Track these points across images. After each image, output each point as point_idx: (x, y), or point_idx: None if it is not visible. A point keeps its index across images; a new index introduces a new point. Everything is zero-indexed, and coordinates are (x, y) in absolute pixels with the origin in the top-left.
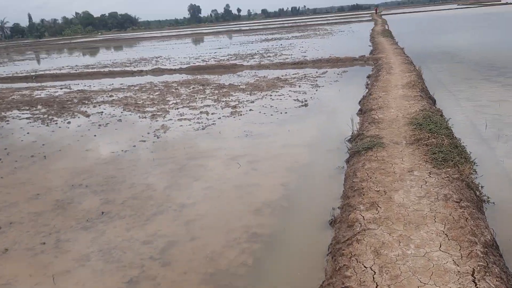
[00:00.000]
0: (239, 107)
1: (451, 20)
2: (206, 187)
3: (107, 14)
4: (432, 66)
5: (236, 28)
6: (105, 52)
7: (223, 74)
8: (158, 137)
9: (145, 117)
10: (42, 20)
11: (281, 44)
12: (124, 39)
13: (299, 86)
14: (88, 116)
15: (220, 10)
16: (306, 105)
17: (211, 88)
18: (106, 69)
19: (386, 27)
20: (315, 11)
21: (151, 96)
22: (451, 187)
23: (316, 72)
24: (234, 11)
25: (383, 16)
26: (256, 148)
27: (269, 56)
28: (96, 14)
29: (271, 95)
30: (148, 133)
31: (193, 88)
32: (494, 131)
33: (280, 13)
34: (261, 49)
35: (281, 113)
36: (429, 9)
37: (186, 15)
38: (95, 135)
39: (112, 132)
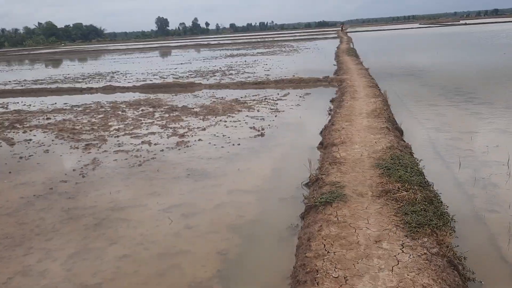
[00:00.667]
0: (188, 135)
1: (414, 39)
2: (121, 256)
3: (71, 25)
4: (397, 89)
5: (203, 42)
6: (61, 65)
7: (179, 93)
8: (83, 176)
9: (77, 148)
10: (3, 30)
11: (245, 61)
12: (86, 51)
13: (258, 111)
14: (12, 144)
15: (188, 24)
16: (262, 134)
17: (162, 111)
18: (54, 86)
19: (351, 45)
20: (282, 27)
21: (93, 120)
22: (430, 271)
23: (278, 94)
24: (203, 25)
25: (348, 34)
26: (197, 194)
27: (231, 73)
28: (61, 25)
29: (225, 121)
30: (74, 170)
31: (142, 110)
32: (469, 172)
33: (248, 28)
34: (224, 65)
35: (233, 144)
36: (392, 27)
37: (154, 27)
38: (10, 172)
39: (32, 168)
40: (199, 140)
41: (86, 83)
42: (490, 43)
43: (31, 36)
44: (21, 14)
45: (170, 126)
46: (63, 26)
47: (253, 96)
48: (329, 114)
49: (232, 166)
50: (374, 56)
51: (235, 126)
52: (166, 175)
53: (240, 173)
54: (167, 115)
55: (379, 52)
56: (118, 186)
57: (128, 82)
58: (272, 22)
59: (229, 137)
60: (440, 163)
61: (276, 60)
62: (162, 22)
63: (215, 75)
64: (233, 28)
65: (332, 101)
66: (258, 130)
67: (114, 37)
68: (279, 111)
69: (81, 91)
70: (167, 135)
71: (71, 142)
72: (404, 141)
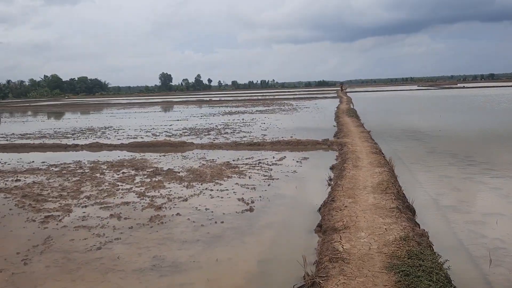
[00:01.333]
0: (165, 208)
1: (414, 101)
2: None
3: (76, 78)
4: (403, 156)
5: (204, 98)
6: (56, 118)
7: (168, 153)
8: (26, 264)
9: (34, 221)
10: (8, 81)
11: (243, 119)
12: (86, 104)
13: (250, 177)
14: None
15: (191, 80)
16: (251, 209)
17: (144, 175)
18: (39, 141)
19: (351, 106)
20: (283, 85)
21: (66, 184)
22: None
23: (273, 157)
24: (205, 81)
25: (348, 93)
26: None
27: (227, 132)
28: (66, 78)
29: (212, 190)
30: (18, 253)
31: (123, 173)
32: (503, 272)
33: (250, 85)
34: (221, 123)
35: (216, 222)
36: (391, 88)
37: (158, 83)
38: None
39: None
40: (177, 214)
41: (74, 139)
42: (496, 108)
43: (36, 88)
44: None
45: (148, 194)
46: (68, 79)
47: (246, 159)
48: (329, 184)
49: (210, 253)
50: (375, 118)
51: (222, 197)
52: (126, 266)
53: (218, 265)
54: (148, 179)
55: (380, 113)
56: (63, 281)
57: (118, 139)
58: (273, 80)
59: (212, 212)
60: (465, 258)
61: (274, 119)
62: (165, 78)
63: (209, 134)
64: (235, 85)
65: (332, 168)
66: (247, 203)
67: (119, 91)
68: (273, 179)
69: (65, 148)
70: (142, 206)
71: (30, 212)
72: (419, 227)
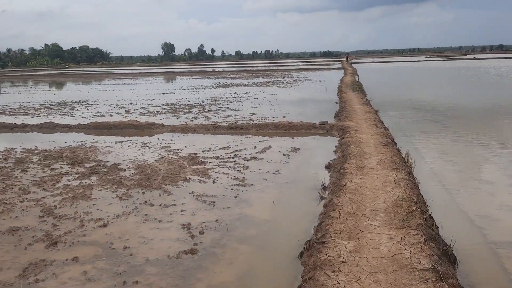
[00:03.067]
0: (66, 242)
1: (424, 73)
2: None
3: (77, 47)
4: (421, 146)
5: (205, 69)
6: (36, 90)
7: (130, 137)
8: None
9: None
10: (9, 50)
11: (235, 93)
12: (81, 74)
13: (214, 181)
14: None
15: (194, 50)
16: (193, 251)
17: (77, 173)
18: None
19: (356, 78)
20: (288, 55)
21: None
22: None
23: (255, 146)
24: (209, 51)
25: (353, 65)
26: None
27: (210, 110)
28: (69, 47)
29: (152, 205)
30: None
31: (51, 169)
32: None
33: (254, 56)
34: (209, 98)
35: (126, 282)
36: (398, 59)
37: (161, 52)
38: None
39: None
40: (74, 259)
41: (33, 116)
42: None
43: (36, 57)
44: (33, 35)
45: (58, 212)
46: (69, 48)
47: (220, 149)
48: (321, 198)
49: None
50: (383, 93)
51: (160, 220)
52: None
53: None
54: (77, 182)
55: (389, 87)
56: None
57: (82, 117)
58: (278, 50)
59: (131, 255)
60: None
61: (270, 93)
62: (168, 48)
63: (190, 111)
64: (239, 56)
65: (328, 168)
66: (193, 236)
67: (121, 60)
68: (245, 184)
69: (12, 128)
70: (32, 238)
71: None
72: None
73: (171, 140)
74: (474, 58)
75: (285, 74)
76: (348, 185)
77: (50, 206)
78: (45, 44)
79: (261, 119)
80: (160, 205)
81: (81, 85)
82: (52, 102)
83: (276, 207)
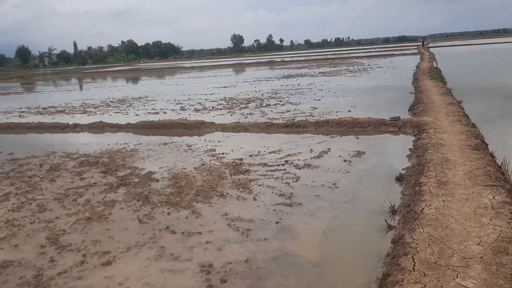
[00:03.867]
0: None
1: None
2: None
3: (151, 43)
4: None
5: (275, 59)
6: (104, 86)
7: (179, 137)
8: None
9: None
10: (89, 48)
11: (298, 84)
12: (151, 69)
13: (255, 198)
14: None
15: (263, 41)
16: None
17: (106, 184)
18: (51, 117)
19: (434, 64)
20: (359, 42)
21: None
22: None
23: (311, 150)
24: (277, 42)
25: (430, 49)
26: None
27: (269, 105)
28: (143, 43)
29: (174, 232)
30: None
31: (81, 179)
32: None
33: (323, 44)
34: (270, 90)
35: None
36: (481, 42)
37: (230, 44)
38: None
39: None
40: None
41: (89, 115)
42: None
43: (113, 54)
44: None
45: (62, 240)
46: (144, 44)
47: (270, 153)
48: (389, 227)
49: None
50: (466, 80)
51: (176, 258)
52: None
53: None
54: (102, 196)
55: (472, 73)
56: None
57: (136, 115)
58: (348, 37)
59: None
60: None
61: (336, 84)
62: (237, 39)
63: (247, 107)
64: (308, 44)
65: (399, 180)
66: (210, 287)
67: (192, 54)
68: (291, 204)
69: (63, 128)
70: (18, 281)
71: None
72: None
73: (219, 142)
74: None
75: (355, 62)
76: (426, 212)
77: (59, 231)
78: (121, 41)
79: (323, 114)
80: (183, 232)
81: (147, 80)
82: (113, 99)
83: (328, 240)
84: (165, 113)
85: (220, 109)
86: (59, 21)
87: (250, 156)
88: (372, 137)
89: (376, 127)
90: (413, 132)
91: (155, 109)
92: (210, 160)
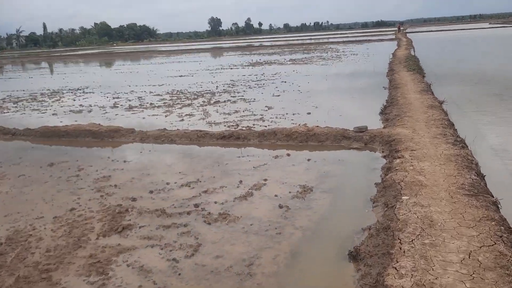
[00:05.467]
0: None
1: (498, 43)
2: None
3: (125, 25)
4: None
5: (245, 44)
6: (54, 72)
7: (82, 148)
8: None
9: None
10: (60, 30)
11: (263, 74)
12: (119, 52)
13: None
14: None
15: (241, 24)
16: None
17: None
18: None
19: (412, 52)
20: (338, 27)
21: None
22: None
23: (240, 182)
24: (256, 25)
25: (407, 35)
26: None
27: (218, 101)
28: (119, 25)
29: None
30: None
31: None
32: None
33: (302, 28)
34: (228, 82)
35: None
36: (458, 27)
37: (208, 28)
38: None
39: None
40: None
41: (2, 112)
42: None
43: (85, 36)
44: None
45: None
46: (118, 27)
47: (182, 186)
48: None
49: None
50: (447, 70)
51: None
52: None
53: None
54: None
55: (453, 61)
56: None
57: (53, 114)
58: (328, 22)
59: None
60: None
61: (303, 74)
62: (215, 22)
63: (192, 103)
64: (287, 28)
65: (353, 259)
66: None
67: (170, 37)
68: None
69: None
70: None
71: None
72: None
73: (124, 161)
74: None
75: (330, 48)
76: None
77: None
78: (94, 23)
79: (276, 118)
80: None
81: (102, 66)
82: (47, 90)
83: None
84: (90, 111)
85: (159, 106)
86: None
87: (151, 192)
88: (329, 156)
89: (335, 141)
90: (383, 151)
91: (83, 106)
92: (90, 199)
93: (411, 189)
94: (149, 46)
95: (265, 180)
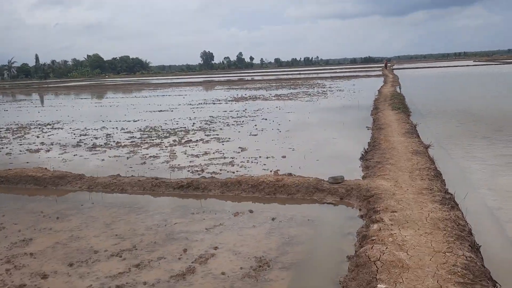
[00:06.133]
0: None
1: (485, 81)
2: None
3: (118, 58)
4: None
5: (233, 79)
6: (33, 104)
7: (25, 195)
8: None
9: None
10: (53, 61)
11: (245, 110)
12: (107, 85)
13: None
14: None
15: (233, 58)
16: None
17: None
18: None
19: (398, 89)
20: (327, 62)
21: None
22: None
23: (184, 251)
24: (248, 59)
25: (394, 71)
26: None
27: (190, 140)
28: (112, 57)
29: None
30: None
31: None
32: None
33: (293, 63)
34: (207, 118)
35: None
36: (444, 64)
37: (200, 61)
38: None
39: None
40: None
41: None
42: None
43: (77, 68)
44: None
45: None
46: (110, 59)
47: (110, 257)
48: None
49: None
50: (434, 109)
51: None
52: None
53: None
54: None
55: (441, 100)
56: None
57: (7, 153)
58: (317, 57)
59: None
60: None
61: (286, 111)
62: (207, 56)
63: (161, 143)
64: (278, 63)
65: None
66: None
67: (162, 69)
68: None
69: None
70: None
71: None
72: None
73: (57, 218)
74: None
75: (317, 83)
76: None
77: None
78: (87, 55)
79: (247, 162)
80: None
81: (86, 99)
82: (16, 124)
83: None
84: (48, 150)
85: (125, 146)
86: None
87: (71, 265)
88: (298, 214)
89: (307, 194)
90: (360, 209)
91: (44, 144)
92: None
93: (389, 273)
94: (140, 78)
95: (216, 248)
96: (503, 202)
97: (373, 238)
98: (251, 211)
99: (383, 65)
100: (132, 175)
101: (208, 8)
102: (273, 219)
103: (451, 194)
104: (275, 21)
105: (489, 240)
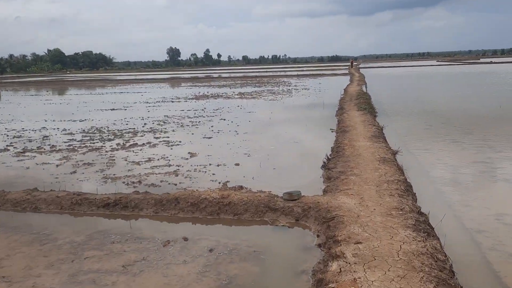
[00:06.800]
0: None
1: (447, 80)
2: None
3: (80, 53)
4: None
5: (200, 75)
6: None
7: None
8: None
9: None
10: (11, 56)
11: (204, 109)
12: (64, 81)
13: None
14: None
15: (200, 55)
16: None
17: None
18: None
19: (364, 88)
20: (295, 60)
21: None
22: None
23: None
24: (215, 56)
25: (360, 70)
26: None
27: (135, 144)
28: (71, 52)
29: None
30: None
31: None
32: None
33: (261, 61)
34: (161, 118)
35: None
36: (408, 64)
37: (167, 58)
38: None
39: None
40: None
41: None
42: None
43: (36, 63)
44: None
45: None
46: (72, 54)
47: None
48: None
49: None
50: (401, 110)
51: None
52: None
53: None
54: None
55: (408, 100)
56: None
57: None
58: (285, 55)
59: None
60: None
61: (247, 111)
62: (173, 52)
63: (101, 148)
64: (246, 60)
65: None
66: None
67: (127, 65)
68: None
69: None
70: None
71: None
72: None
73: None
74: (492, 62)
75: (283, 81)
76: None
77: None
78: (47, 50)
79: (194, 170)
80: None
81: (35, 95)
82: None
83: None
84: None
85: (60, 150)
86: None
87: None
88: (243, 243)
89: (257, 214)
90: (318, 235)
91: None
92: None
93: None
94: (102, 74)
95: None
96: (482, 223)
97: (330, 284)
98: (185, 239)
99: (350, 64)
100: (51, 189)
101: (176, 5)
102: (210, 250)
103: (425, 215)
104: (243, 19)
105: (473, 278)
